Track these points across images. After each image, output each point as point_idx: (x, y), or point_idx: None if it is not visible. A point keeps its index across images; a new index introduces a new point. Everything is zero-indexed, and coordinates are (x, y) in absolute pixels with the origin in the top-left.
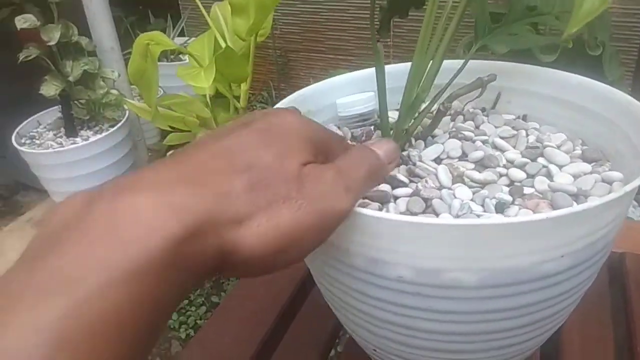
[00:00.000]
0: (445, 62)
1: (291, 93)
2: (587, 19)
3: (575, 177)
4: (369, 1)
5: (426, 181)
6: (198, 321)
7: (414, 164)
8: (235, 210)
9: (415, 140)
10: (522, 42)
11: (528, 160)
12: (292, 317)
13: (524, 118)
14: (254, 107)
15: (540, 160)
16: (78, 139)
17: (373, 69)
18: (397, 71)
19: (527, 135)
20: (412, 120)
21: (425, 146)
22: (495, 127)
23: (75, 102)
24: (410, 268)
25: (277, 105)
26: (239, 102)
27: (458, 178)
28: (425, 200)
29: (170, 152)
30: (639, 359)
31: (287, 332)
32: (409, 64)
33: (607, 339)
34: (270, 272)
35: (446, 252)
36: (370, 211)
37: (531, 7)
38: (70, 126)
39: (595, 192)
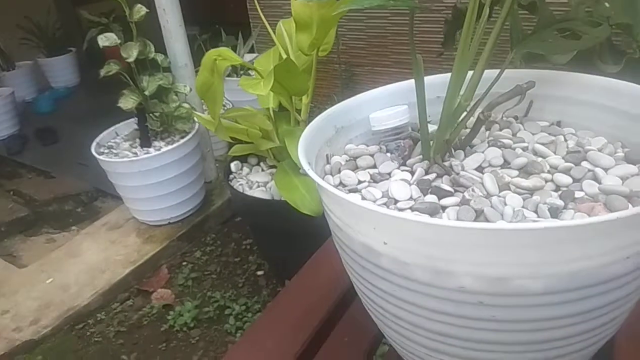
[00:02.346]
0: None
1: None
2: None
3: (623, 179)
4: (409, 14)
5: (472, 190)
6: None
7: (457, 174)
8: None
9: (455, 150)
10: (554, 48)
11: (572, 165)
12: (333, 326)
13: (559, 124)
14: None
15: (584, 164)
16: (151, 149)
17: (404, 83)
18: (429, 84)
19: (566, 140)
20: (452, 130)
21: (465, 156)
22: (532, 134)
23: (150, 114)
24: (473, 277)
25: (311, 123)
26: (300, 115)
27: (504, 186)
28: (475, 209)
29: (234, 162)
30: None
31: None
32: (440, 75)
33: None
34: None
35: (513, 259)
36: (431, 219)
37: (558, 15)
38: (145, 137)
39: None
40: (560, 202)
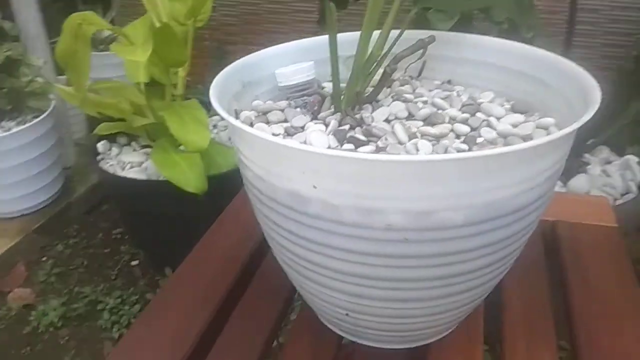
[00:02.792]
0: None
1: None
2: None
3: (514, 126)
4: None
5: (385, 138)
6: (132, 320)
7: (369, 125)
8: None
9: (363, 104)
10: (454, 2)
11: (468, 115)
12: (246, 284)
13: (449, 82)
14: (189, 99)
15: (479, 114)
16: None
17: (309, 39)
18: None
19: (459, 95)
20: (363, 82)
21: (373, 109)
22: (429, 90)
23: None
24: (399, 213)
25: (217, 76)
26: (176, 89)
27: (413, 135)
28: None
29: (102, 142)
30: (573, 312)
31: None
32: (342, 34)
33: (544, 296)
34: None
35: (436, 190)
36: (363, 154)
37: None
38: None
39: (536, 137)
40: (465, 146)
